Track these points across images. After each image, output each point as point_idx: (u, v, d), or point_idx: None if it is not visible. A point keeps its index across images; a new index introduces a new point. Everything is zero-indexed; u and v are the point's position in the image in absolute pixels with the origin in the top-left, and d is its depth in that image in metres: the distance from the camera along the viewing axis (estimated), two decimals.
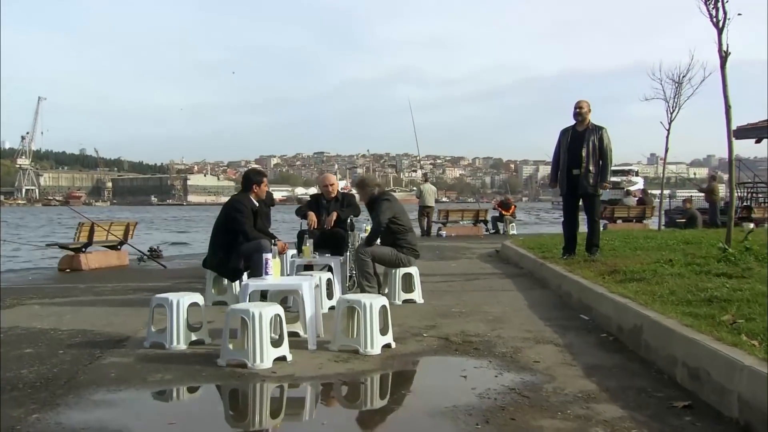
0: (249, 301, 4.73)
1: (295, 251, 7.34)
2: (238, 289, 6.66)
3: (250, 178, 6.78)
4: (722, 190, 25.41)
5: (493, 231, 20.75)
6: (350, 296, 4.64)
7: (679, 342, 3.65)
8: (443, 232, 19.55)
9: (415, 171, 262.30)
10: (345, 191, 7.96)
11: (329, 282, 6.41)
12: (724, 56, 6.47)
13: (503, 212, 20.69)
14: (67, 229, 32.47)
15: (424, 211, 19.51)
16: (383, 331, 4.56)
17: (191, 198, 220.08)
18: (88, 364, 4.29)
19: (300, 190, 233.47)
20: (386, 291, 6.70)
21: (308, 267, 7.00)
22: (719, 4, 6.41)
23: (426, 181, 20.29)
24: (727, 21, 6.39)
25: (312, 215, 7.49)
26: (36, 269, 11.97)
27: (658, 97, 13.45)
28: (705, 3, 6.49)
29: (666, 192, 17.47)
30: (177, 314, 4.69)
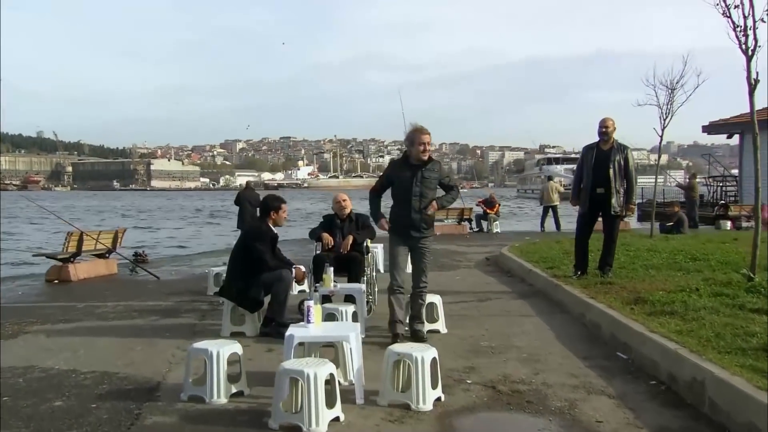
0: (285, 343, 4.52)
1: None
2: (258, 321, 6.46)
3: (268, 205, 6.54)
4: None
5: (477, 229, 20.76)
6: (399, 348, 4.46)
7: (758, 410, 3.55)
8: None
9: (382, 156, 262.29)
10: (357, 213, 7.74)
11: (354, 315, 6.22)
12: (753, 84, 6.41)
13: (487, 211, 20.69)
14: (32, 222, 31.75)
15: None
16: (434, 384, 4.40)
17: (155, 183, 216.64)
18: (130, 426, 4.05)
19: (266, 175, 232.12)
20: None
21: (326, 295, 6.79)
22: (749, 32, 6.33)
23: None
24: (757, 49, 6.32)
25: (327, 236, 7.28)
26: (22, 278, 11.53)
27: (651, 104, 13.45)
28: (734, 29, 6.40)
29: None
30: (217, 366, 4.46)
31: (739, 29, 6.41)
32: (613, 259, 8.21)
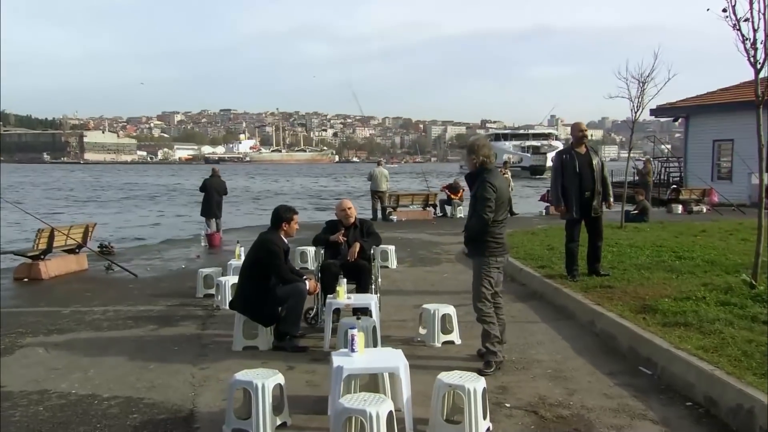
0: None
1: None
2: (270, 335, 6.29)
3: (280, 216, 6.35)
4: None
5: (441, 214, 20.88)
6: (450, 379, 4.38)
7: None
8: (394, 217, 19.46)
9: (325, 130, 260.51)
10: (362, 219, 7.59)
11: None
12: (760, 98, 6.52)
13: (452, 196, 20.79)
14: None
15: (376, 195, 19.34)
16: (484, 414, 4.36)
17: (89, 156, 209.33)
18: None
19: (207, 149, 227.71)
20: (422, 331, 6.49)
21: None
22: (758, 45, 6.42)
23: (379, 164, 20.03)
24: (767, 63, 6.43)
25: (339, 234, 7.13)
26: None
27: (623, 96, 13.66)
28: (743, 41, 6.48)
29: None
30: (263, 399, 4.31)
31: (748, 42, 6.48)
32: (601, 257, 8.43)
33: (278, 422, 4.43)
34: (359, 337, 4.58)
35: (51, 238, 10.28)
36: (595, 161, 8.11)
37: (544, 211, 21.09)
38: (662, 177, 31.73)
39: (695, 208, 21.80)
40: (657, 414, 4.65)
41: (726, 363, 4.86)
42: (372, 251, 7.27)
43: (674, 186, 24.83)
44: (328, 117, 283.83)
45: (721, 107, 28.23)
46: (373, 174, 19.20)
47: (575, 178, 8.02)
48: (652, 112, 30.60)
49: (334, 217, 7.61)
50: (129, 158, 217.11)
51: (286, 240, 6.41)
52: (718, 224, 14.50)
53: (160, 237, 18.29)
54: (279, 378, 4.50)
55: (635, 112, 13.79)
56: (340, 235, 7.19)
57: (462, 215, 20.87)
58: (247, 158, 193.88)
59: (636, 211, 16.77)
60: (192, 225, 21.83)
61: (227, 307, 7.90)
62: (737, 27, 6.48)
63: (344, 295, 6.40)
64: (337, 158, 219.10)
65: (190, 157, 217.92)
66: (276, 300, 6.14)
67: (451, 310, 6.56)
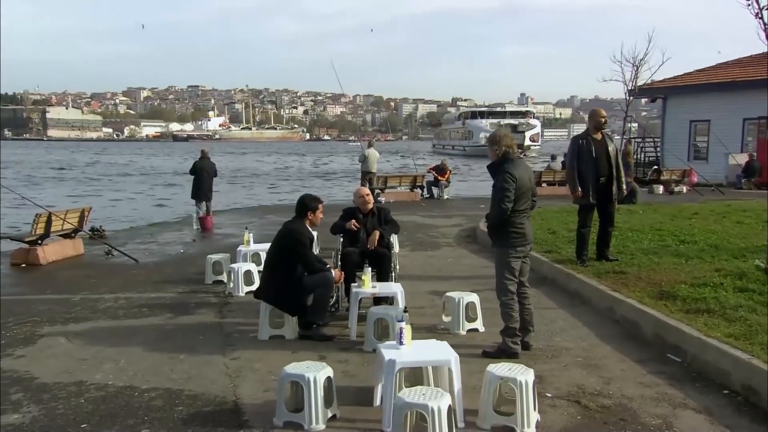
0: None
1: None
2: (294, 323, 6.26)
3: (306, 205, 6.29)
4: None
5: (428, 195, 20.92)
6: (500, 371, 4.41)
7: None
8: (382, 198, 19.44)
9: (295, 108, 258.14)
10: (379, 206, 7.54)
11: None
12: None
13: (438, 177, 20.83)
14: None
15: (366, 176, 19.31)
16: (534, 405, 4.40)
17: (52, 132, 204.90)
18: None
19: (175, 126, 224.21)
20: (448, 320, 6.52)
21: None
22: None
23: (370, 146, 19.93)
24: None
25: (352, 222, 7.08)
26: None
27: (617, 80, 13.74)
28: (764, 29, 6.55)
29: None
30: (315, 392, 4.29)
31: None
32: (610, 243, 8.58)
33: (329, 414, 4.42)
34: (407, 330, 4.57)
35: (49, 222, 10.08)
36: (610, 147, 8.18)
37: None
38: (638, 157, 32.14)
39: (676, 189, 22.17)
40: (697, 402, 4.73)
41: (760, 351, 4.95)
42: (390, 239, 7.25)
43: (656, 167, 25.16)
44: (298, 94, 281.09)
45: (698, 88, 28.66)
46: (367, 155, 19.15)
47: (591, 164, 8.07)
48: (630, 92, 30.93)
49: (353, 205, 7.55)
50: (94, 135, 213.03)
51: (311, 229, 6.37)
52: (708, 206, 14.74)
53: (147, 219, 18.02)
54: (329, 371, 4.48)
55: (628, 96, 13.87)
56: (353, 223, 7.13)
57: (448, 196, 21.00)
58: (217, 136, 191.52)
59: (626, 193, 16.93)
60: (176, 207, 21.61)
61: (241, 294, 7.89)
62: (759, 15, 6.54)
63: (369, 284, 6.39)
64: (308, 136, 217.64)
65: (158, 134, 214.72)
66: (304, 289, 6.11)
67: (474, 297, 6.58)
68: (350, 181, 21.75)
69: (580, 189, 8.20)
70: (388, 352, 4.50)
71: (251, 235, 9.17)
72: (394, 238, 11.13)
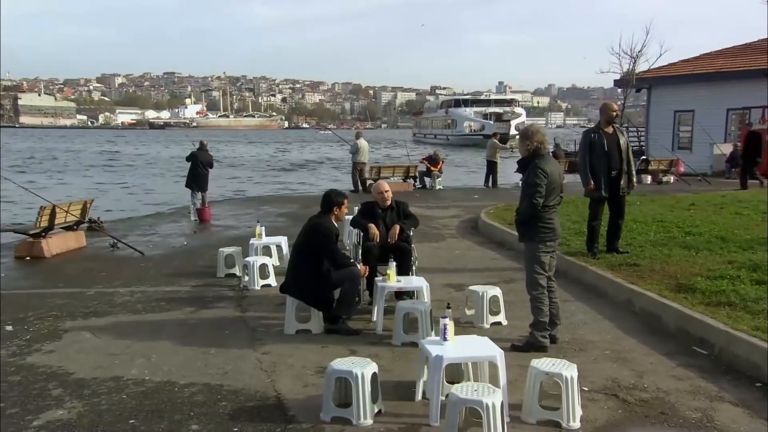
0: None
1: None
2: (320, 318, 6.26)
3: (332, 200, 6.29)
4: None
5: (420, 186, 20.96)
6: (545, 366, 4.46)
7: None
8: None
9: (273, 95, 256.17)
10: (398, 200, 7.52)
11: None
12: None
13: (431, 168, 20.86)
14: None
15: (357, 166, 19.30)
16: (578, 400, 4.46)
17: (24, 120, 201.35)
18: None
19: (151, 113, 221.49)
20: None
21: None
22: None
23: (359, 136, 19.88)
24: None
25: (374, 228, 7.05)
26: None
27: (614, 72, 13.84)
28: None
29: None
30: (362, 387, 4.31)
31: None
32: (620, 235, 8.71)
33: (375, 410, 4.45)
34: (450, 326, 4.60)
35: (53, 215, 9.95)
36: (622, 141, 8.26)
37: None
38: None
39: (664, 179, 22.43)
40: (733, 396, 4.82)
41: None
42: (410, 233, 7.27)
43: (644, 157, 25.40)
44: (276, 82, 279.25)
45: (683, 79, 28.98)
46: (359, 146, 19.13)
47: (603, 157, 8.15)
48: (616, 82, 31.09)
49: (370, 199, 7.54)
50: (68, 122, 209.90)
51: (335, 224, 6.37)
52: (703, 197, 14.93)
53: (141, 210, 17.85)
54: (374, 366, 4.50)
55: (627, 86, 13.97)
56: (375, 236, 7.02)
57: (441, 186, 21.04)
58: (194, 123, 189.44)
59: None
60: (165, 197, 21.44)
61: (257, 288, 7.87)
62: None
63: (394, 278, 6.40)
64: (286, 124, 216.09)
65: (134, 121, 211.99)
66: (331, 284, 6.13)
67: (497, 291, 6.63)
68: (344, 173, 21.82)
69: (592, 182, 8.28)
70: (433, 348, 4.52)
71: (263, 228, 9.12)
72: None
